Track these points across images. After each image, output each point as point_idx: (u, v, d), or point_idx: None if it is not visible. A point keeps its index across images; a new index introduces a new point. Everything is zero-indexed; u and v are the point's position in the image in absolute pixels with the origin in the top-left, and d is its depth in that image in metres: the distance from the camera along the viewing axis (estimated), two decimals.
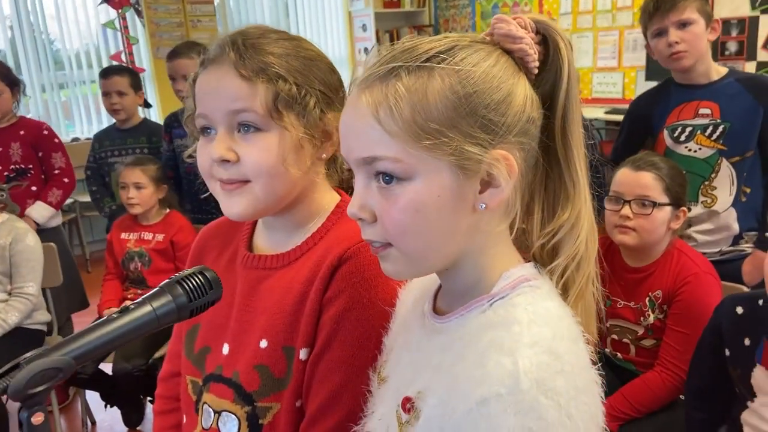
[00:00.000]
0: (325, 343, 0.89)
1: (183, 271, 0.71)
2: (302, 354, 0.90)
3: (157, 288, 0.69)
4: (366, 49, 6.27)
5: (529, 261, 0.73)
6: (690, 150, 2.10)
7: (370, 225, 0.68)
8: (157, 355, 2.44)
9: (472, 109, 0.62)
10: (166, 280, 0.69)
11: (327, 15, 6.37)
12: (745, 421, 1.49)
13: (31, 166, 2.90)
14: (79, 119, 5.36)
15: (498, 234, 0.70)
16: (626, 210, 1.76)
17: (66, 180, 2.97)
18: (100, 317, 2.57)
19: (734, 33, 4.58)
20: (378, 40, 6.26)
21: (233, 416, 0.93)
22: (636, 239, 1.76)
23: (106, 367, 2.51)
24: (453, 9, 6.42)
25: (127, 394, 2.55)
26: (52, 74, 5.13)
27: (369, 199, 0.67)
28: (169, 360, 1.15)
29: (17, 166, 2.87)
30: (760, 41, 4.43)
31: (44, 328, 2.52)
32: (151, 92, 5.10)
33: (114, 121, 3.14)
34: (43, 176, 2.96)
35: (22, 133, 2.87)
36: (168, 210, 2.67)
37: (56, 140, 2.96)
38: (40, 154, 2.91)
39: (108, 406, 2.63)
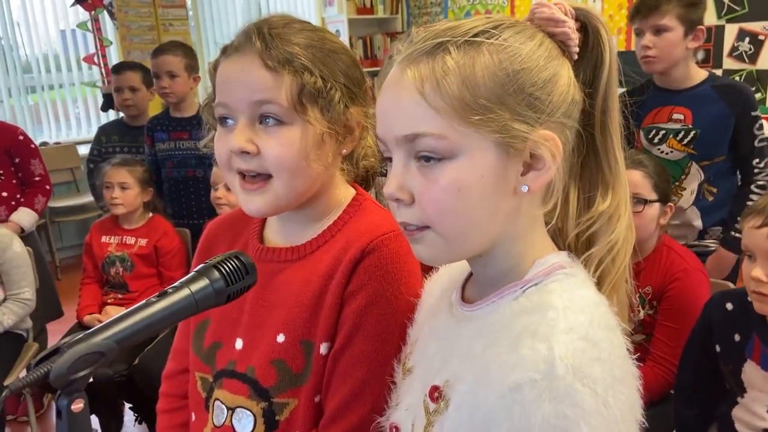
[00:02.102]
0: (347, 337, 0.87)
1: (216, 255, 0.69)
2: (322, 348, 0.89)
3: (193, 272, 0.67)
4: None
5: (562, 250, 0.72)
6: (662, 152, 2.16)
7: (406, 206, 0.67)
8: (135, 362, 2.38)
9: (520, 86, 0.63)
10: (202, 264, 0.68)
11: None
12: (735, 417, 1.51)
13: (1, 171, 2.82)
14: (47, 123, 5.24)
15: (534, 219, 0.70)
16: None
17: (47, 187, 2.93)
18: (80, 323, 2.52)
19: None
20: (351, 46, 6.26)
21: (248, 412, 0.91)
22: None
23: None
24: (426, 16, 6.46)
25: (107, 400, 2.48)
26: (20, 78, 5.00)
27: (407, 179, 0.66)
28: (174, 357, 1.12)
29: None
30: (726, 49, 4.57)
31: (25, 333, 2.45)
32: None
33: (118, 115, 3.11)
34: (15, 181, 2.87)
35: None
36: (151, 214, 2.62)
37: (32, 146, 2.89)
38: (17, 160, 2.83)
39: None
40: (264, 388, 0.91)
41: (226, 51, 0.88)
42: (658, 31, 2.01)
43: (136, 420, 2.58)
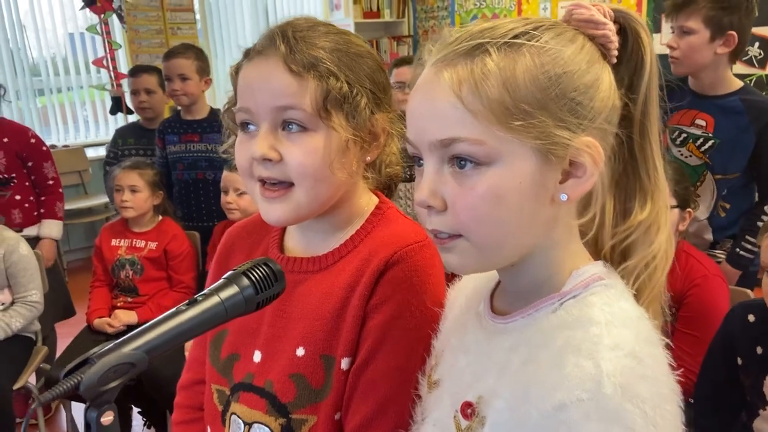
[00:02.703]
0: (369, 352, 0.85)
1: (244, 263, 0.67)
2: (343, 364, 0.86)
3: (221, 279, 0.65)
4: None
5: (597, 260, 0.70)
6: (682, 155, 2.13)
7: (438, 213, 0.64)
8: None
9: (562, 90, 0.60)
10: (230, 272, 0.66)
11: None
12: (757, 429, 1.49)
13: (14, 175, 2.81)
14: (55, 126, 5.24)
15: (570, 229, 0.68)
16: None
17: (60, 190, 2.94)
18: (89, 327, 2.51)
19: None
20: None
21: (266, 428, 0.89)
22: None
23: None
24: (432, 20, 6.45)
25: (115, 404, 2.47)
26: (28, 80, 5.00)
27: (440, 185, 0.63)
28: (190, 368, 1.09)
29: (0, 176, 2.77)
30: None
31: (33, 336, 2.44)
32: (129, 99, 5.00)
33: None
34: (27, 184, 2.86)
35: (5, 140, 2.77)
36: (161, 217, 2.60)
37: (44, 148, 2.88)
38: (30, 163, 2.82)
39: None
40: (282, 403, 0.88)
41: (248, 54, 0.86)
42: (684, 32, 1.95)
43: (144, 425, 2.57)
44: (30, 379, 2.38)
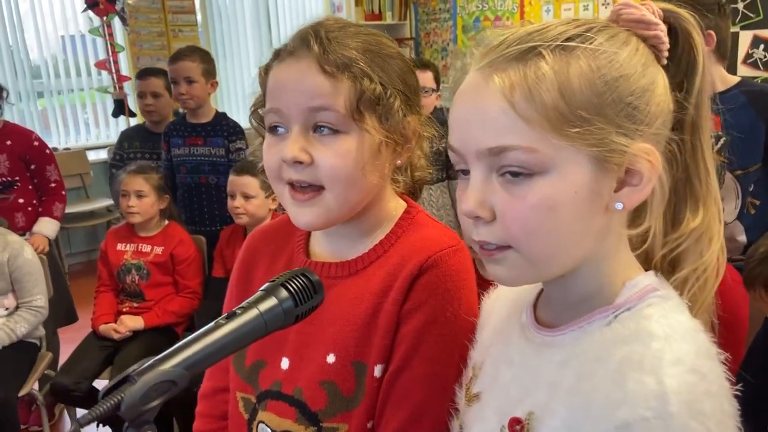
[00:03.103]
0: (404, 359, 0.83)
1: (281, 274, 0.65)
2: (376, 371, 0.84)
3: (259, 291, 0.63)
4: None
5: (648, 270, 0.67)
6: None
7: (486, 224, 0.62)
8: None
9: (618, 95, 0.58)
10: (267, 284, 0.63)
11: None
12: None
13: (17, 178, 2.78)
14: (56, 129, 5.20)
15: (621, 238, 0.65)
16: None
17: (63, 192, 2.90)
18: (94, 333, 2.48)
19: None
20: None
21: None
22: None
23: (100, 384, 2.40)
24: (434, 22, 6.44)
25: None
26: (28, 82, 4.97)
27: (489, 195, 0.61)
28: (211, 376, 1.06)
29: (4, 179, 2.74)
30: (741, 56, 4.53)
31: (38, 342, 2.41)
32: (132, 103, 4.97)
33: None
34: (31, 187, 2.83)
35: (9, 143, 2.74)
36: (167, 222, 2.58)
37: (47, 151, 2.85)
38: (33, 166, 2.79)
39: (100, 425, 2.51)
40: (313, 411, 0.86)
41: (279, 55, 0.84)
42: None
43: None
44: (33, 385, 2.35)
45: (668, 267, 0.67)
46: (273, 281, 0.64)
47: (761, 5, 4.24)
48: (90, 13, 4.40)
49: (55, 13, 5.05)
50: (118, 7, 4.30)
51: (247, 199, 2.34)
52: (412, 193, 0.98)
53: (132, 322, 2.41)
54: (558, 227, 0.60)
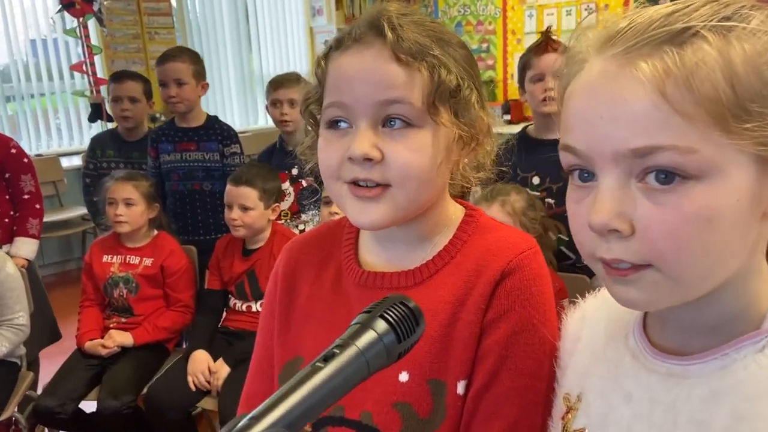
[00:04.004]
0: (491, 373, 0.75)
1: (376, 302, 0.55)
2: (459, 388, 0.75)
3: (354, 325, 0.53)
4: None
5: None
6: None
7: (621, 239, 0.53)
8: (144, 391, 2.20)
9: None
10: (362, 315, 0.53)
11: (288, 30, 6.21)
12: None
13: None
14: (27, 134, 4.98)
15: (765, 249, 0.57)
16: None
17: (38, 206, 2.64)
18: (80, 350, 2.33)
19: None
20: None
21: None
22: None
23: (86, 406, 2.25)
24: None
25: None
26: None
27: (627, 205, 0.52)
28: (247, 403, 0.94)
29: None
30: None
31: (18, 361, 2.25)
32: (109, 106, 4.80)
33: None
34: (7, 197, 2.64)
35: None
36: (156, 232, 2.44)
37: (25, 160, 2.62)
38: (7, 175, 2.60)
39: None
40: None
41: (341, 42, 0.75)
42: None
43: None
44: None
45: None
46: (366, 311, 0.54)
47: None
48: (64, 14, 4.21)
49: (27, 15, 4.86)
50: (95, 7, 4.13)
51: (245, 210, 2.22)
52: (460, 196, 0.90)
53: (120, 337, 2.26)
54: (714, 241, 0.51)
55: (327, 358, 0.49)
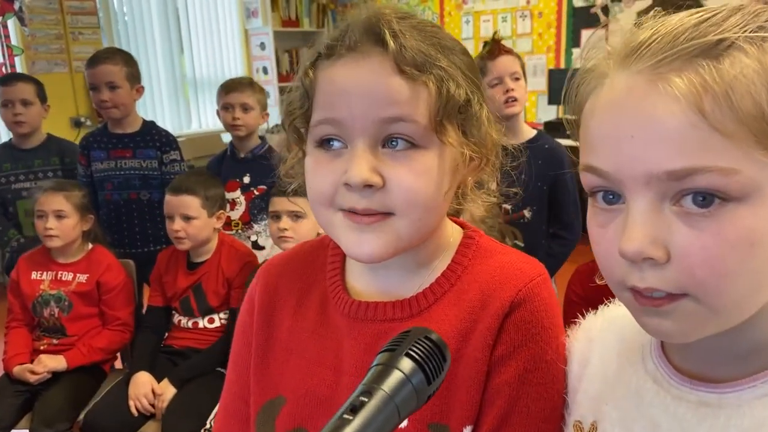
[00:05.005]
0: (500, 417, 0.68)
1: (396, 338, 0.49)
2: None
3: (376, 366, 0.46)
4: (265, 69, 6.00)
5: None
6: None
7: (655, 267, 0.49)
8: (79, 418, 2.05)
9: None
10: (383, 354, 0.47)
11: (222, 33, 6.02)
12: None
13: None
14: None
15: None
16: None
17: None
18: (8, 375, 2.14)
19: None
20: (277, 60, 6.01)
21: None
22: None
23: None
24: None
25: None
26: None
27: (661, 230, 0.48)
28: None
29: None
30: None
31: None
32: None
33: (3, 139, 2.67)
34: None
35: None
36: (91, 245, 2.27)
37: None
38: None
39: None
40: None
41: (332, 51, 0.66)
42: None
43: None
44: None
45: None
46: (389, 350, 0.47)
47: None
48: None
49: None
50: (16, 6, 3.87)
51: (188, 220, 2.10)
52: (454, 213, 0.83)
53: (52, 362, 2.09)
54: (755, 266, 0.48)
55: (355, 409, 0.42)
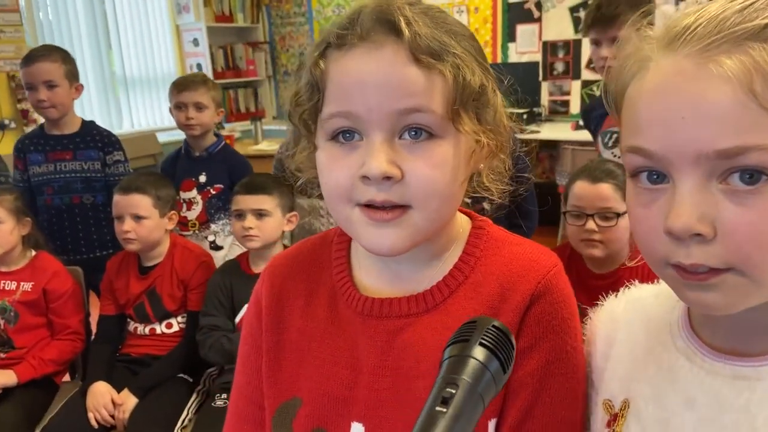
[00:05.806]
0: (525, 408, 0.68)
1: (463, 329, 0.48)
2: (490, 428, 0.68)
3: (451, 357, 0.45)
4: (199, 65, 5.83)
5: None
6: (615, 156, 2.16)
7: (702, 243, 0.51)
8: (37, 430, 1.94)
9: None
10: (454, 346, 0.46)
11: (152, 28, 5.81)
12: None
13: None
14: None
15: None
16: (590, 224, 1.73)
17: None
18: None
19: (561, 54, 5.00)
20: (212, 56, 5.86)
21: None
22: (604, 251, 1.75)
23: None
24: (289, 26, 6.25)
25: None
26: None
27: (709, 207, 0.50)
28: None
29: None
30: (584, 62, 4.88)
31: None
32: None
33: None
34: None
35: None
36: (34, 252, 2.15)
37: None
38: None
39: None
40: None
41: (342, 40, 0.64)
42: (615, 40, 2.02)
43: None
44: None
45: None
46: (459, 340, 0.47)
47: None
48: None
49: None
50: None
51: (139, 220, 2.02)
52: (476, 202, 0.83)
53: (1, 378, 1.97)
54: None
55: (445, 400, 0.41)
